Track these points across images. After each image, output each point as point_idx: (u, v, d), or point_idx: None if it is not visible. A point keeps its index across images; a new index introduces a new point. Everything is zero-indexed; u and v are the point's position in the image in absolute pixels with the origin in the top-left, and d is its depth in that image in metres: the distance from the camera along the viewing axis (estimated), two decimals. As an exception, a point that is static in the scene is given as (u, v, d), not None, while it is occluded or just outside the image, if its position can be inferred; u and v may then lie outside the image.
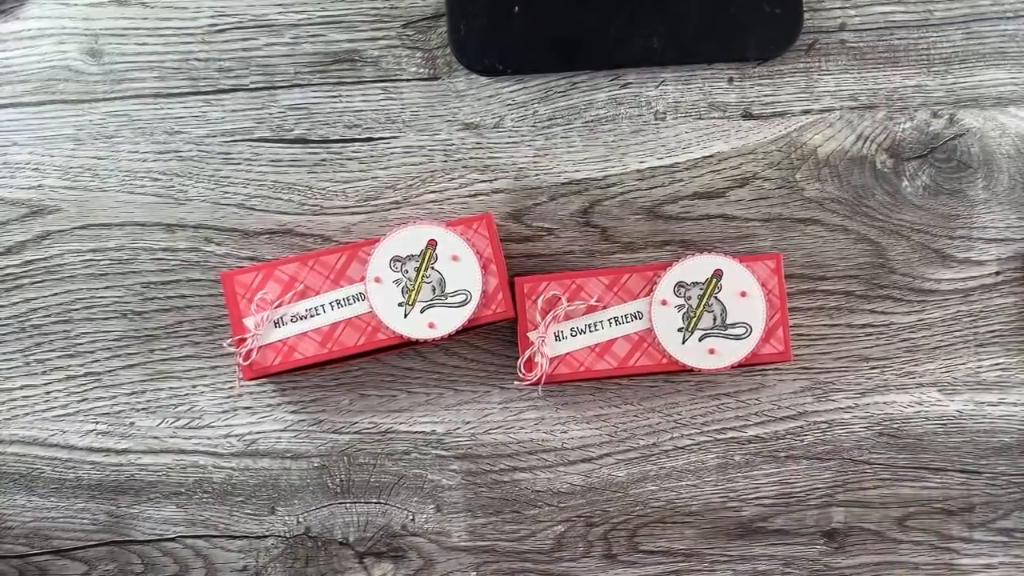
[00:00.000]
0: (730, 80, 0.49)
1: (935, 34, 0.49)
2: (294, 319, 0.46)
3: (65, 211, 0.50)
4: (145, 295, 0.50)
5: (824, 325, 0.50)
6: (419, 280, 0.46)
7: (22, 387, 0.51)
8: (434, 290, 0.46)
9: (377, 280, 0.46)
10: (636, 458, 0.51)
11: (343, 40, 0.49)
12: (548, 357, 0.47)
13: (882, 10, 0.49)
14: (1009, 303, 0.50)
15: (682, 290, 0.46)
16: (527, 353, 0.47)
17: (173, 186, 0.50)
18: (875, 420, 0.51)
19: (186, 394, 0.51)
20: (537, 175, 0.50)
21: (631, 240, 0.50)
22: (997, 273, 0.50)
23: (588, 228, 0.50)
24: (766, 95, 0.49)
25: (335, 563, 0.51)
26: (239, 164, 0.50)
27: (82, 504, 0.51)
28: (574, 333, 0.47)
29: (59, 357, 0.51)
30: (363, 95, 0.50)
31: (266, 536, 0.51)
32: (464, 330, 0.46)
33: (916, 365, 0.50)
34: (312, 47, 0.49)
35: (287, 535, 0.51)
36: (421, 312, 0.46)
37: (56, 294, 0.50)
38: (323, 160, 0.50)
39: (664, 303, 0.46)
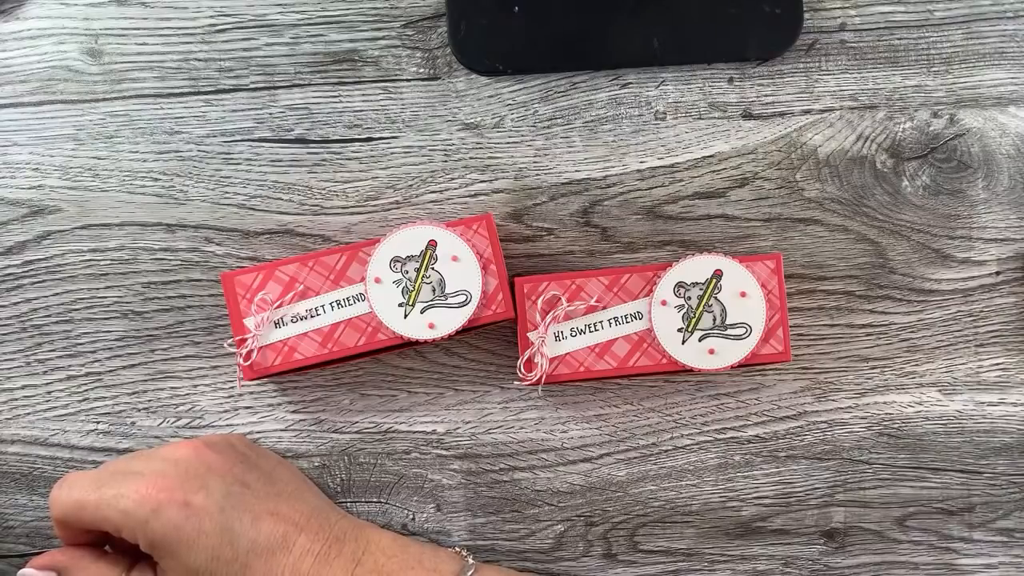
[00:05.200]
0: (730, 80, 0.49)
1: (935, 34, 0.49)
2: (294, 319, 0.46)
3: (65, 211, 0.50)
4: (145, 295, 0.50)
5: (824, 325, 0.50)
6: (419, 280, 0.46)
7: (23, 387, 0.51)
8: (434, 290, 0.46)
9: (377, 280, 0.46)
10: (636, 458, 0.51)
11: (343, 40, 0.49)
12: (548, 357, 0.47)
13: (882, 10, 0.49)
14: (1009, 303, 0.50)
15: (682, 290, 0.46)
16: (527, 353, 0.47)
17: (173, 186, 0.50)
18: (875, 420, 0.51)
19: (187, 394, 0.51)
20: (537, 175, 0.50)
21: (631, 240, 0.50)
22: (997, 273, 0.50)
23: (588, 228, 0.50)
24: (766, 95, 0.49)
25: (335, 562, 0.51)
26: (239, 164, 0.50)
27: (83, 504, 0.51)
28: (574, 333, 0.47)
29: (60, 357, 0.51)
30: (363, 95, 0.50)
31: (267, 535, 0.51)
32: (464, 330, 0.46)
33: (916, 365, 0.50)
34: (312, 47, 0.49)
35: (288, 534, 0.51)
36: (421, 312, 0.46)
37: (57, 294, 0.50)
38: (323, 160, 0.50)
39: (664, 303, 0.46)
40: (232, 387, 0.51)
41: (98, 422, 0.51)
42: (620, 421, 0.51)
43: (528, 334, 0.47)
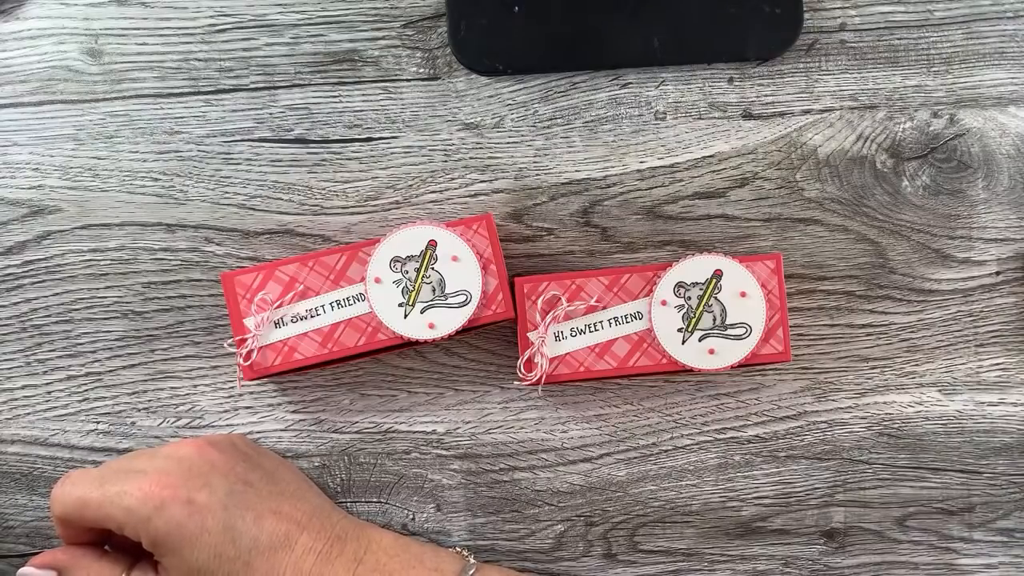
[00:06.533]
0: (730, 80, 0.49)
1: (935, 34, 0.49)
2: (294, 319, 0.46)
3: (65, 211, 0.50)
4: (145, 295, 0.50)
5: (824, 325, 0.50)
6: (419, 280, 0.46)
7: (23, 387, 0.51)
8: (434, 290, 0.46)
9: (377, 281, 0.46)
10: (636, 458, 0.51)
11: (343, 40, 0.49)
12: (548, 357, 0.47)
13: (882, 10, 0.49)
14: (1009, 303, 0.50)
15: (682, 290, 0.46)
16: (527, 353, 0.47)
17: (173, 186, 0.50)
18: (875, 420, 0.51)
19: (187, 394, 0.51)
20: (537, 175, 0.50)
21: (631, 240, 0.50)
22: (997, 273, 0.50)
23: (588, 228, 0.50)
24: (766, 95, 0.49)
25: (335, 562, 0.51)
26: (239, 164, 0.50)
27: (83, 504, 0.51)
28: (574, 333, 0.47)
29: (60, 357, 0.51)
30: (363, 95, 0.50)
31: (267, 535, 0.51)
32: (464, 330, 0.46)
33: (916, 365, 0.51)
34: (312, 47, 0.49)
35: (288, 534, 0.51)
36: (421, 312, 0.46)
37: (57, 294, 0.50)
38: (323, 160, 0.50)
39: (664, 303, 0.46)
40: (232, 387, 0.51)
41: (98, 422, 0.51)
42: (620, 421, 0.51)
43: (528, 334, 0.47)
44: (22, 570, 0.44)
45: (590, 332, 0.47)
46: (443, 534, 0.51)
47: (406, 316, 0.46)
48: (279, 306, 0.46)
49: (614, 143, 0.50)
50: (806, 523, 0.51)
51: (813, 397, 0.51)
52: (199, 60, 0.49)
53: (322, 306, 0.46)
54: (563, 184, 0.50)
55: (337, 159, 0.50)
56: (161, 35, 0.49)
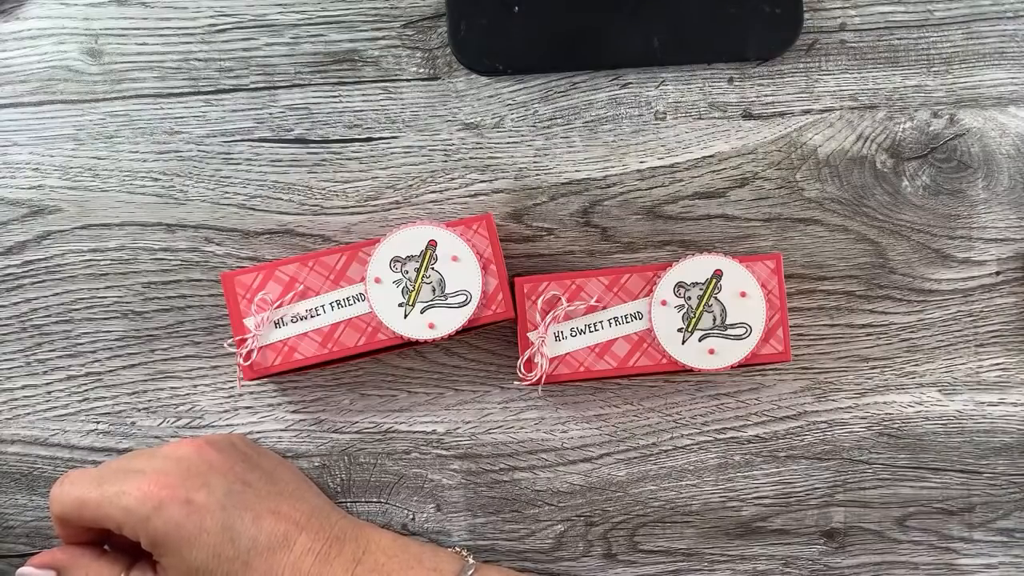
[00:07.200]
0: (730, 80, 0.49)
1: (935, 34, 0.49)
2: (294, 319, 0.46)
3: (65, 211, 0.50)
4: (145, 295, 0.50)
5: (824, 325, 0.50)
6: (419, 280, 0.46)
7: (23, 387, 0.51)
8: (434, 290, 0.46)
9: (377, 281, 0.46)
10: (636, 458, 0.51)
11: (343, 40, 0.49)
12: (548, 357, 0.47)
13: (882, 10, 0.49)
14: (1009, 303, 0.50)
15: (682, 290, 0.46)
16: (527, 353, 0.47)
17: (173, 186, 0.50)
18: (875, 420, 0.51)
19: (187, 394, 0.51)
20: (537, 175, 0.50)
21: (631, 240, 0.50)
22: (997, 273, 0.50)
23: (588, 228, 0.50)
24: (766, 95, 0.49)
25: (335, 562, 0.51)
26: (239, 164, 0.50)
27: (83, 504, 0.51)
28: (574, 333, 0.47)
29: (60, 357, 0.51)
30: (363, 95, 0.50)
31: (267, 535, 0.51)
32: (464, 330, 0.46)
33: (916, 365, 0.51)
34: (312, 47, 0.49)
35: (288, 534, 0.51)
36: (421, 312, 0.46)
37: (57, 294, 0.50)
38: (323, 160, 0.50)
39: (664, 303, 0.46)
40: (232, 387, 0.51)
41: (98, 422, 0.51)
42: (620, 421, 0.51)
43: (528, 334, 0.47)
44: (21, 570, 0.44)
45: (590, 332, 0.47)
46: (443, 534, 0.51)
47: (406, 316, 0.46)
48: (279, 306, 0.46)
49: (614, 143, 0.50)
50: (806, 523, 0.51)
51: (813, 397, 0.51)
52: (199, 60, 0.49)
53: (322, 306, 0.46)
54: (563, 184, 0.50)
55: (337, 159, 0.50)
56: (161, 35, 0.49)
